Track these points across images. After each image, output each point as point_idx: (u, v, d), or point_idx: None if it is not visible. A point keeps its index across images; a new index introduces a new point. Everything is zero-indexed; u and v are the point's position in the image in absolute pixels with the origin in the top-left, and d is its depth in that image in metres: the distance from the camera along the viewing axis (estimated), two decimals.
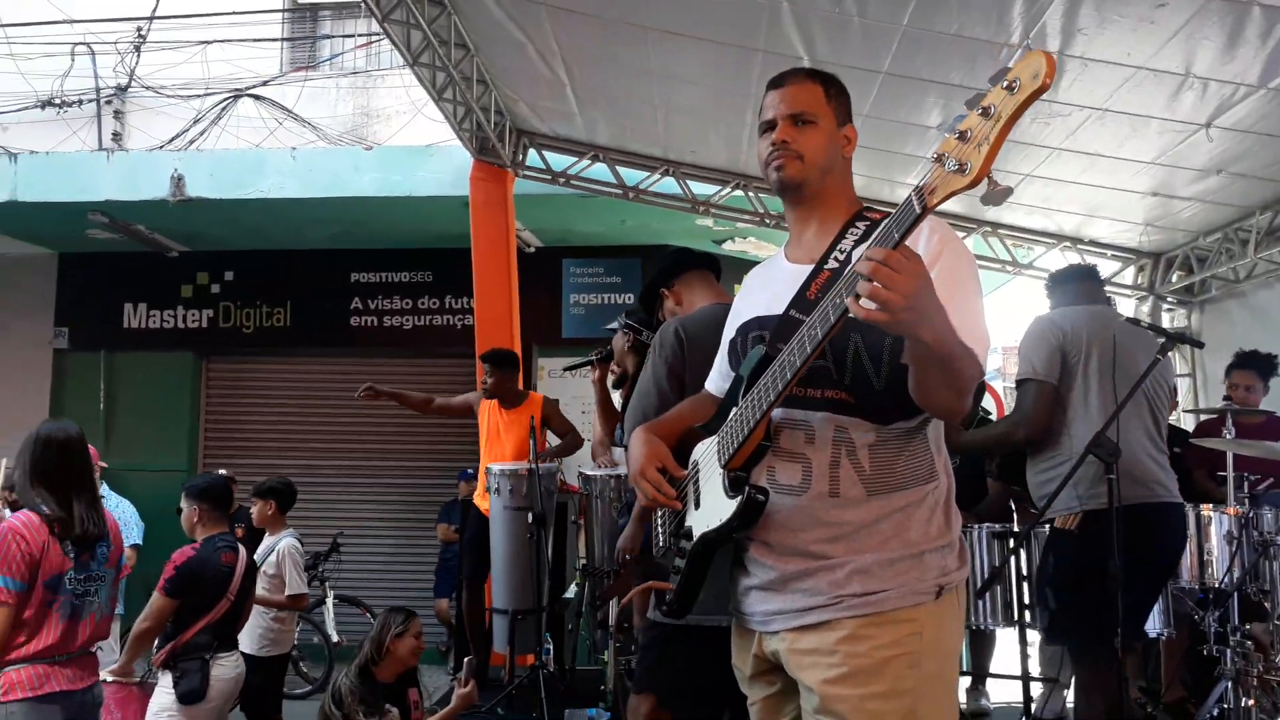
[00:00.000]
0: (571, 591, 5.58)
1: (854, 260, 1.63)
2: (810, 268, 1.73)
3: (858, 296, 1.37)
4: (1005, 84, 1.26)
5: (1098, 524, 3.12)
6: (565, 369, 5.04)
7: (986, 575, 4.31)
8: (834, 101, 1.79)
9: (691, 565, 1.75)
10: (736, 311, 1.92)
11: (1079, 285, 3.56)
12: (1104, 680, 3.19)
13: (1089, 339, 3.28)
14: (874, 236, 1.43)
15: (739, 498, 1.64)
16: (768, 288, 1.82)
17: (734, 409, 1.71)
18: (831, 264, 1.70)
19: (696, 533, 1.74)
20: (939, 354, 1.44)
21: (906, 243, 1.55)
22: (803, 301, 1.68)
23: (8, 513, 4.72)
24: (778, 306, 1.73)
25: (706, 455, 1.78)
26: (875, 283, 1.35)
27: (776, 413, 1.68)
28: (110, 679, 3.72)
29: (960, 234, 6.47)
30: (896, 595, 1.62)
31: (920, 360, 1.50)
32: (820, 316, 1.51)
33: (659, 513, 1.94)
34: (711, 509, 1.72)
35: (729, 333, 1.92)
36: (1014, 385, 3.53)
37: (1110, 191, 5.13)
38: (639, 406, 2.59)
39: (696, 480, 1.80)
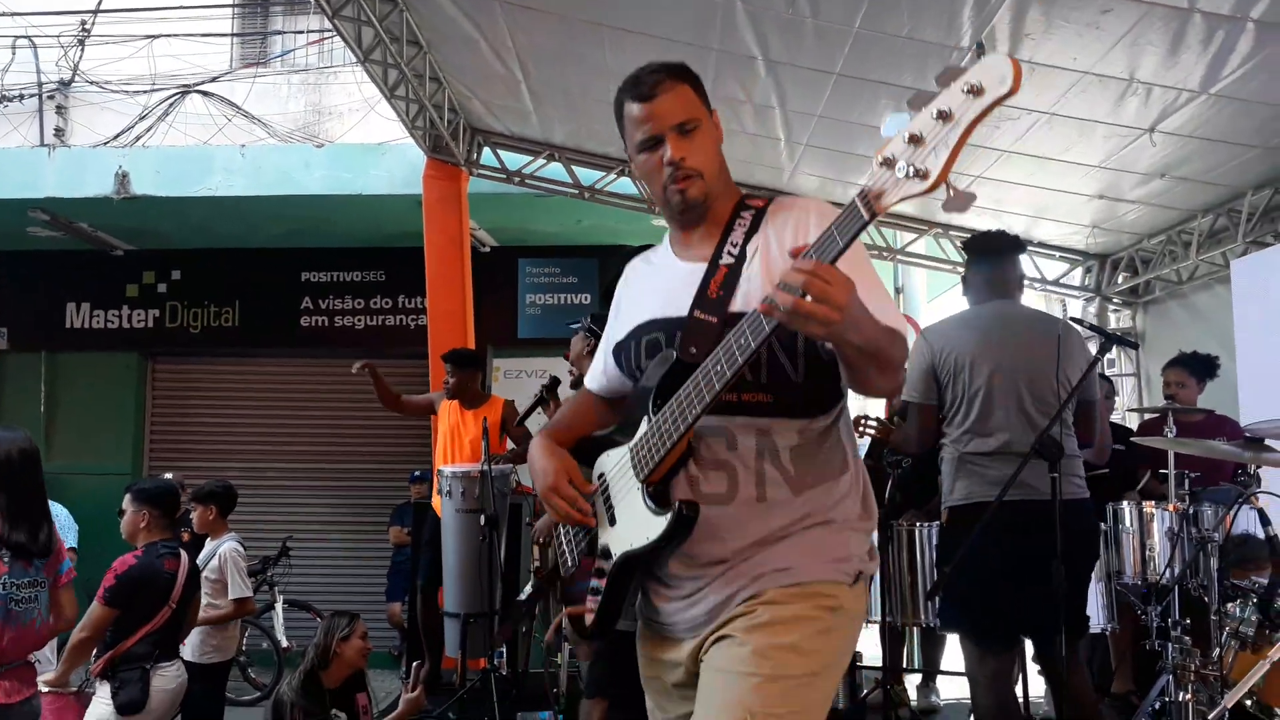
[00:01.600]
0: (525, 594, 5.53)
1: (747, 254, 1.66)
2: (705, 265, 1.69)
3: (795, 310, 1.33)
4: (966, 87, 1.20)
5: (957, 520, 3.29)
6: (518, 422, 5.18)
7: (935, 574, 4.37)
8: (701, 94, 1.71)
9: (613, 585, 1.69)
10: (623, 312, 1.85)
11: (986, 276, 3.50)
12: (979, 672, 3.26)
13: (960, 352, 3.32)
14: (816, 243, 1.38)
15: (668, 514, 1.59)
16: (660, 289, 1.76)
17: (644, 420, 1.65)
18: (726, 259, 1.67)
19: (616, 551, 1.68)
20: (870, 350, 1.44)
21: (783, 232, 1.60)
22: (705, 301, 1.65)
23: None
24: (676, 308, 1.69)
25: (617, 469, 1.71)
26: (809, 296, 1.31)
27: (709, 419, 1.62)
28: (46, 689, 3.61)
29: (911, 235, 6.55)
30: (818, 568, 1.62)
31: (852, 359, 1.48)
32: (751, 325, 1.45)
33: (563, 530, 1.86)
34: (631, 526, 1.66)
35: (616, 334, 1.85)
36: None
37: (1058, 194, 5.21)
38: None
39: (608, 495, 1.73)
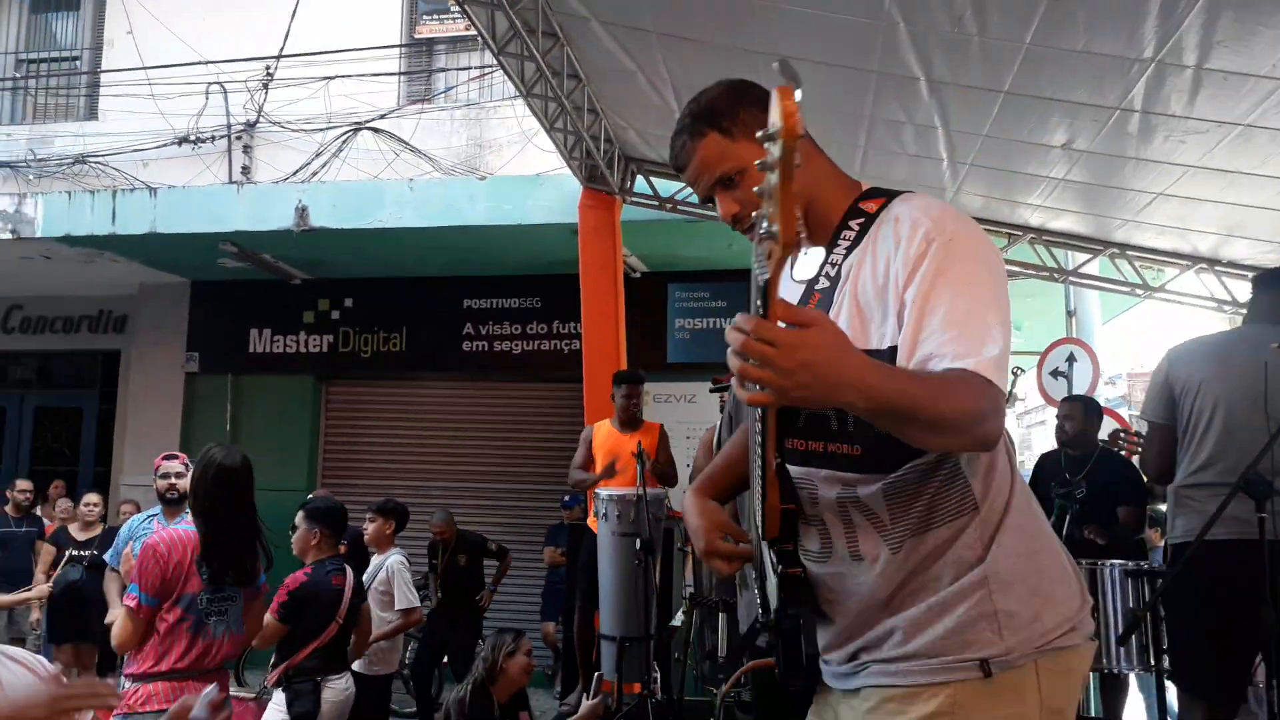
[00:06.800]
0: (678, 620, 5.53)
1: (844, 273, 1.45)
2: (803, 289, 1.51)
3: (743, 376, 1.15)
4: (763, 134, 1.08)
5: (1180, 559, 3.05)
6: (713, 390, 5.13)
7: (1120, 616, 4.10)
8: (739, 128, 1.49)
9: (785, 643, 1.57)
10: None
11: (1261, 296, 3.39)
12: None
13: (1204, 373, 3.10)
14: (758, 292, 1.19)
15: (777, 578, 1.47)
16: None
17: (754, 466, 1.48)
18: (823, 281, 1.48)
19: (772, 606, 1.56)
20: (887, 412, 1.21)
21: (894, 233, 1.39)
22: None
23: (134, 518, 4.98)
24: None
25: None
26: (750, 361, 1.13)
27: (791, 468, 1.48)
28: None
29: (1084, 256, 6.21)
30: (920, 667, 1.39)
31: (872, 421, 1.25)
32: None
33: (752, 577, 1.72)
34: (771, 584, 1.52)
35: None
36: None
37: (1251, 210, 4.83)
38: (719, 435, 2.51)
39: (762, 545, 1.57)
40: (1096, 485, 4.86)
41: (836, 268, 1.46)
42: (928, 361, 1.30)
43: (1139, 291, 6.23)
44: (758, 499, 1.45)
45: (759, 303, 1.17)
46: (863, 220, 1.48)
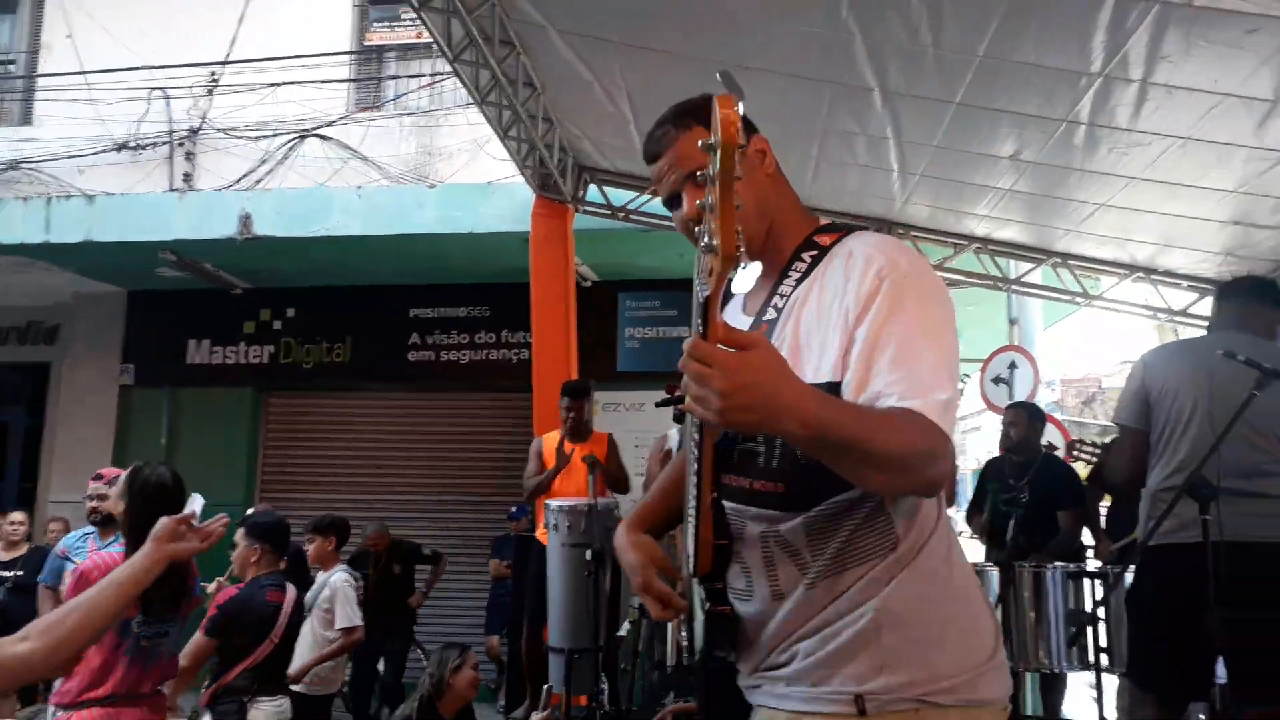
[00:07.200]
0: (624, 630, 5.48)
1: (790, 306, 1.44)
2: (751, 321, 1.49)
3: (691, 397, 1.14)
4: (704, 144, 1.07)
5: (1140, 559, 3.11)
6: (659, 404, 5.07)
7: (1065, 618, 4.17)
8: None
9: (704, 690, 1.60)
10: None
11: (1225, 306, 3.42)
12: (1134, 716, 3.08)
13: (1179, 379, 3.13)
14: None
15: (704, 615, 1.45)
16: None
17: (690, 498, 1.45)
18: (770, 313, 1.45)
19: (697, 647, 1.52)
20: (825, 442, 1.18)
21: (844, 272, 1.38)
22: None
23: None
24: None
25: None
26: (691, 382, 1.11)
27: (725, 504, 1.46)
28: None
29: (1027, 265, 6.34)
30: (799, 693, 1.39)
31: (811, 453, 1.24)
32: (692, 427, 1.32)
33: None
34: (699, 621, 1.49)
35: None
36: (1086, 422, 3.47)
37: (1189, 221, 4.98)
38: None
39: (693, 582, 1.53)
40: (1039, 491, 4.97)
41: (785, 299, 1.45)
42: (875, 400, 1.29)
43: (1079, 300, 6.39)
44: (690, 533, 1.43)
45: (699, 321, 1.15)
46: (815, 253, 1.47)
